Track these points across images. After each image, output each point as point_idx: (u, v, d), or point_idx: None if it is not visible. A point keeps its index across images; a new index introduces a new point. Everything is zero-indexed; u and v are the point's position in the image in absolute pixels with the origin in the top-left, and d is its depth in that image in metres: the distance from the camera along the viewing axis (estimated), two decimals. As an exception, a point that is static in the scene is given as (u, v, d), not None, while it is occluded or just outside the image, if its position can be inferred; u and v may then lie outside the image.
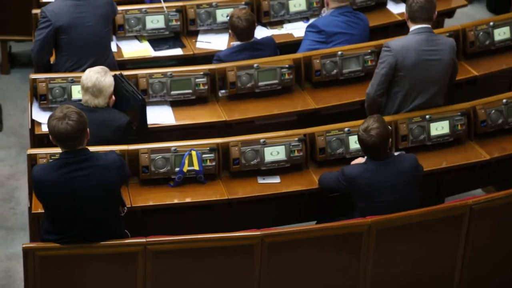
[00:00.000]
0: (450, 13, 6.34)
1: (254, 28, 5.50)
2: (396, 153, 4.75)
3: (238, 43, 5.51)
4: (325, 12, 5.69)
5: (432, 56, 4.93)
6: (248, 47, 5.49)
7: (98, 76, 4.73)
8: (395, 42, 4.96)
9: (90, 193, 4.11)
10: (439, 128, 5.02)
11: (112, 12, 5.46)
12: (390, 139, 4.61)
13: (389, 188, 4.49)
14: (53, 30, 5.24)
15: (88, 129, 4.14)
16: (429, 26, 4.96)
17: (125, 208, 4.42)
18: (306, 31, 5.62)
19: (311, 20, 5.90)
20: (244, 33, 5.46)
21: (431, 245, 4.52)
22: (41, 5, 5.99)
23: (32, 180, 4.22)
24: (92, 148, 4.23)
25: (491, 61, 5.72)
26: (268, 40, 5.64)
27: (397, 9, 6.19)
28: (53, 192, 4.10)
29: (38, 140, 5.12)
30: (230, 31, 5.55)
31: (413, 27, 4.97)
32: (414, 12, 4.92)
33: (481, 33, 5.66)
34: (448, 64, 4.99)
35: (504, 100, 5.13)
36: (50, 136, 4.15)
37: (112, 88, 4.79)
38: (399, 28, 6.13)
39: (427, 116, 5.01)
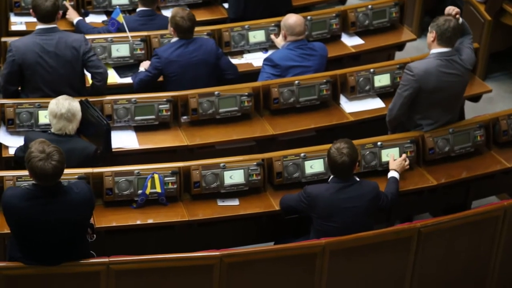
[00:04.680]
0: (400, 46, 6.50)
1: (194, 27, 5.64)
2: (358, 179, 4.84)
3: (176, 39, 5.64)
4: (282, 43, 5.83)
5: (452, 78, 5.10)
6: (187, 43, 5.60)
7: (69, 101, 4.80)
8: (418, 65, 5.09)
9: (58, 226, 4.13)
10: (390, 155, 5.14)
11: (77, 57, 5.28)
12: (357, 163, 4.74)
13: (346, 210, 4.61)
14: (17, 65, 5.25)
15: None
16: (451, 49, 5.10)
17: (94, 235, 4.43)
18: (263, 64, 5.74)
19: (270, 51, 6.03)
20: (186, 31, 5.59)
21: (382, 266, 4.63)
22: (9, 33, 6.03)
23: (1, 204, 4.22)
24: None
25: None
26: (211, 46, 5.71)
27: (351, 42, 6.32)
28: (22, 220, 4.12)
29: (5, 163, 5.15)
30: (170, 28, 5.63)
31: (438, 50, 5.07)
32: (443, 34, 5.02)
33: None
34: (466, 82, 5.20)
35: (451, 130, 5.29)
36: (29, 172, 4.10)
37: (81, 113, 4.86)
38: (353, 59, 6.27)
39: (379, 143, 5.15)
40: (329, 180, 4.76)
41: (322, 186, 4.70)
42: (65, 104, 4.79)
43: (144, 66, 5.79)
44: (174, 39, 5.69)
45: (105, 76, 5.43)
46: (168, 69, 5.61)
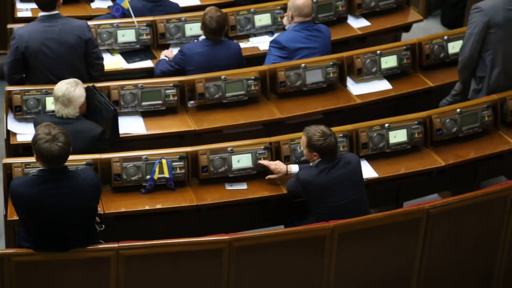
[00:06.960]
0: (407, 27, 6.49)
1: (223, 30, 5.63)
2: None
3: (204, 38, 5.65)
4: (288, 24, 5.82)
5: None
6: (213, 44, 5.62)
7: (68, 86, 4.82)
8: (485, 2, 5.17)
9: (66, 211, 4.15)
10: (397, 136, 5.17)
11: (79, 44, 5.31)
12: None
13: (343, 187, 4.62)
14: (20, 53, 5.27)
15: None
16: None
17: (103, 225, 4.45)
18: (270, 47, 5.75)
19: (276, 34, 6.02)
20: (212, 32, 5.60)
21: (391, 248, 4.64)
22: (15, 20, 6.04)
23: (9, 193, 4.24)
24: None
25: (446, 73, 5.88)
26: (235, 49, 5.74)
27: (357, 24, 6.32)
28: (30, 207, 4.14)
29: (13, 150, 5.17)
30: (201, 24, 5.65)
31: None
32: None
33: (436, 46, 5.85)
34: None
35: (458, 110, 5.28)
36: (36, 156, 4.14)
37: (82, 99, 4.86)
38: (359, 41, 6.27)
39: (386, 125, 5.15)
40: (314, 164, 4.69)
41: (313, 170, 4.66)
42: (63, 88, 4.82)
43: (165, 53, 5.79)
44: (202, 37, 5.69)
45: (103, 67, 5.48)
46: (188, 66, 5.62)
